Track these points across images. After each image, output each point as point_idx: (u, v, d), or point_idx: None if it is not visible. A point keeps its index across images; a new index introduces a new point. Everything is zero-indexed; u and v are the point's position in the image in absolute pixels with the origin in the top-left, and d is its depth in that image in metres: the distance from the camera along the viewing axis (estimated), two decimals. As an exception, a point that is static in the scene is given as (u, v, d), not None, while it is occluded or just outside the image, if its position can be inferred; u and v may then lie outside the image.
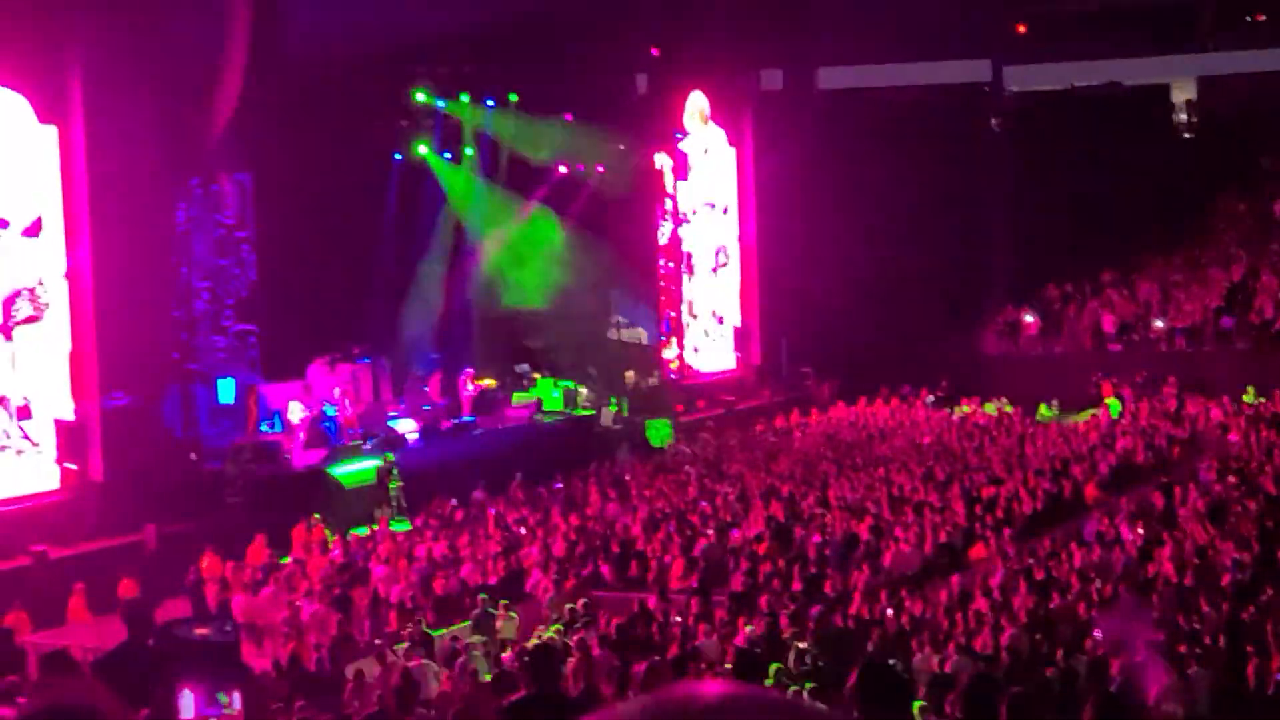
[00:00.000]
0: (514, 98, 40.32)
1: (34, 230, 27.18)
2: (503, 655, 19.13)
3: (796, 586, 22.37)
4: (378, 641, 21.21)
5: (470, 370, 37.65)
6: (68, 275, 27.54)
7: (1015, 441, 34.94)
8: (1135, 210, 44.85)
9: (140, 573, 23.99)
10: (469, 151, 40.65)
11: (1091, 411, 39.68)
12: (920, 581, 22.63)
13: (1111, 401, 40.63)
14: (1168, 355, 43.36)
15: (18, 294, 26.91)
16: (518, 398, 37.88)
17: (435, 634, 21.25)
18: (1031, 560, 23.07)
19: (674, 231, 44.63)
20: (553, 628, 20.42)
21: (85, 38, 27.52)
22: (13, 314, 26.81)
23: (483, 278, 40.69)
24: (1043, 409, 40.67)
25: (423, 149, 39.82)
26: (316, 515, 27.93)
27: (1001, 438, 35.69)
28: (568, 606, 21.58)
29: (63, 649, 18.70)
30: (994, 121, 49.06)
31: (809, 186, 44.96)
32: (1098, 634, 17.36)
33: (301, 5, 31.51)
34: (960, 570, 23.04)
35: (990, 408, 40.76)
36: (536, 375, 39.44)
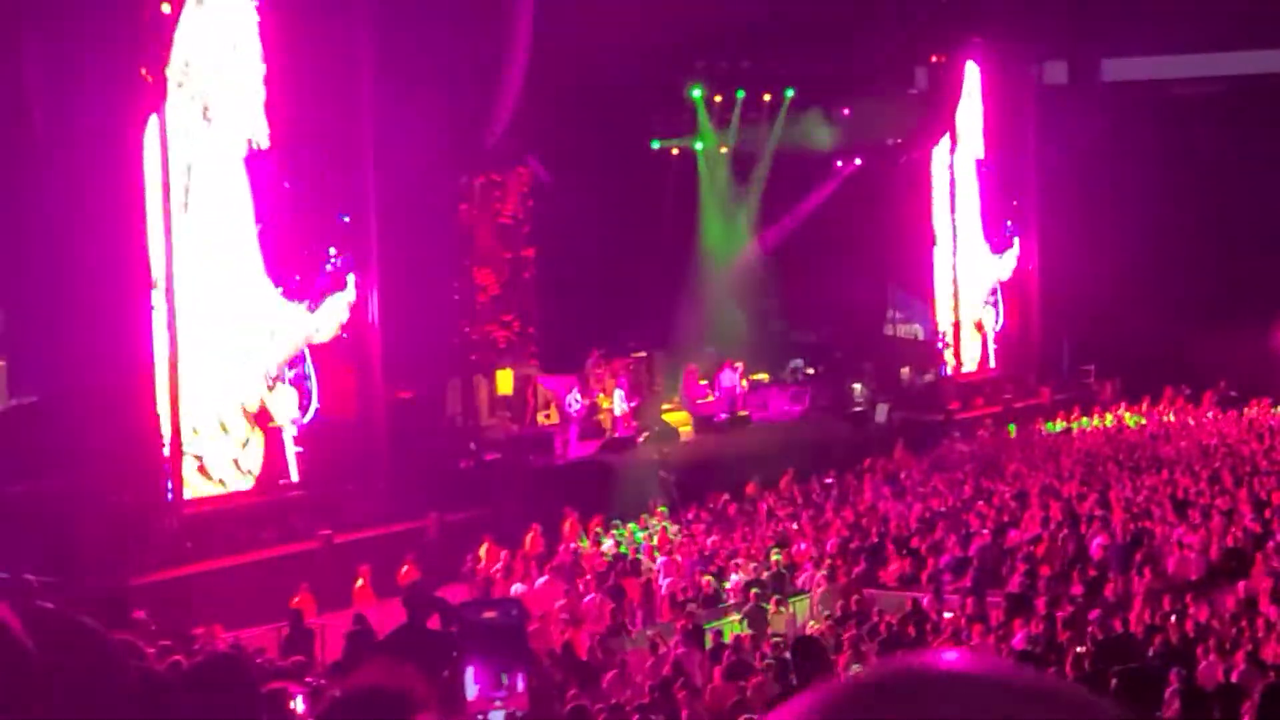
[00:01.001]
0: (790, 93, 40.36)
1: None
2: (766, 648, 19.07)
3: (1075, 589, 21.88)
4: (650, 632, 21.37)
5: (742, 365, 37.74)
6: (354, 270, 28.35)
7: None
8: None
9: (421, 559, 24.63)
10: (737, 146, 40.89)
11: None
12: (1205, 588, 21.94)
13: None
14: None
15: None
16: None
17: (706, 626, 21.34)
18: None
19: (951, 227, 44.01)
20: (819, 621, 20.32)
21: (374, 38, 28.28)
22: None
23: (758, 270, 40.80)
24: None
25: (698, 145, 40.15)
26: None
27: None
28: (839, 603, 21.49)
29: (363, 625, 19.26)
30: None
31: (1093, 182, 43.97)
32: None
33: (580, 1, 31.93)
34: (1248, 577, 22.25)
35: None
36: (809, 370, 39.40)
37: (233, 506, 25.68)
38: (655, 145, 39.55)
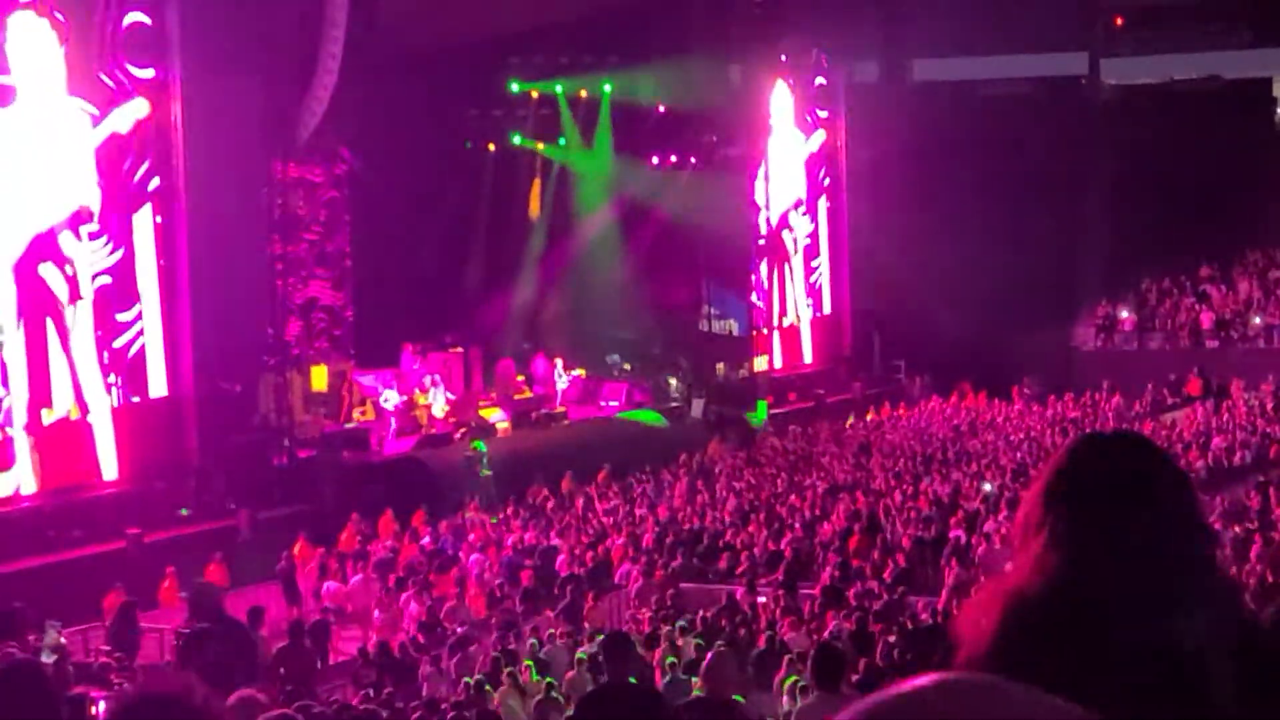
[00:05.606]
0: (607, 87, 40.31)
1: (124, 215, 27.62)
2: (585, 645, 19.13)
3: (886, 581, 22.20)
4: (464, 628, 21.27)
5: (561, 360, 37.73)
6: (161, 260, 27.87)
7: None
8: (1235, 205, 44.11)
9: (229, 557, 24.32)
10: (564, 139, 40.91)
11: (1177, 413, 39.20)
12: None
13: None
14: (1266, 353, 42.70)
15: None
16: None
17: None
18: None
19: (766, 224, 44.37)
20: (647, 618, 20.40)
21: (185, 25, 27.82)
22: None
23: (576, 265, 40.86)
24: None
25: (516, 139, 40.07)
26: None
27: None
28: (654, 598, 21.58)
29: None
30: (1090, 115, 48.42)
31: (902, 179, 44.65)
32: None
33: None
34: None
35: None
36: (626, 365, 39.52)
37: (38, 505, 25.07)
38: (467, 145, 39.44)
